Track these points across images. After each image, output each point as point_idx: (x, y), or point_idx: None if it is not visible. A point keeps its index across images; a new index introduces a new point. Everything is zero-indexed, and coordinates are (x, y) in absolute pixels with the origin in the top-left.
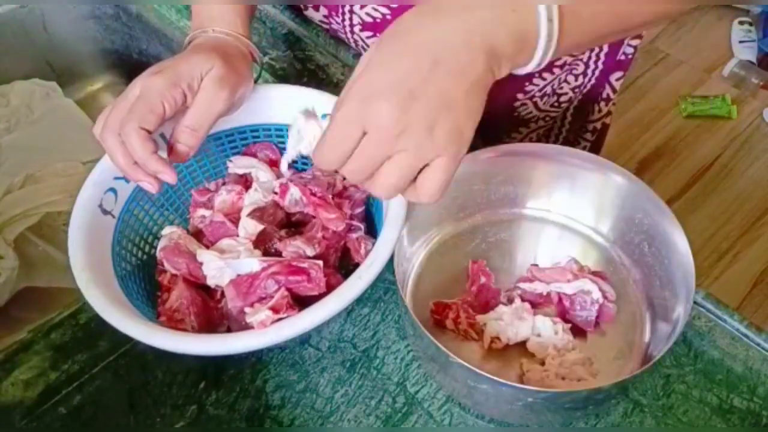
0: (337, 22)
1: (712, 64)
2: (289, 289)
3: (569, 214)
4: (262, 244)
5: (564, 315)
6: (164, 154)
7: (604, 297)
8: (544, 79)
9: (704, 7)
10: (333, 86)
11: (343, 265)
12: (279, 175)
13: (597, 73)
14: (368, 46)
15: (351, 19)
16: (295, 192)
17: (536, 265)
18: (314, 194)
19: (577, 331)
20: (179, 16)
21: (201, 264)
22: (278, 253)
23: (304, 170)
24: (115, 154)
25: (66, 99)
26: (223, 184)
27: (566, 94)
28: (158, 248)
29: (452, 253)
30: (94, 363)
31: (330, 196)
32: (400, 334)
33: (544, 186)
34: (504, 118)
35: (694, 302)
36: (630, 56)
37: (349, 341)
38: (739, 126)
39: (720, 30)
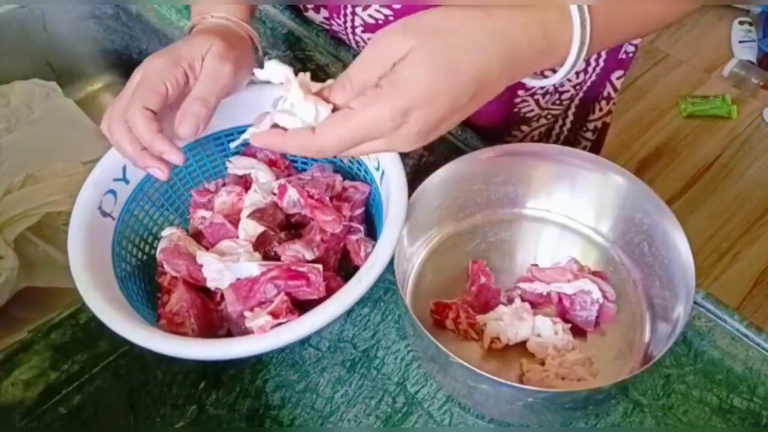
0: (338, 24)
1: (712, 64)
2: (288, 294)
3: (569, 214)
4: (262, 246)
5: (564, 315)
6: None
7: (604, 297)
8: None
9: (704, 7)
10: None
11: (343, 266)
12: (279, 176)
13: (598, 70)
14: None
15: (353, 20)
16: (293, 193)
17: (536, 265)
18: (311, 196)
19: (577, 331)
20: (179, 16)
21: (201, 266)
22: (278, 257)
23: (304, 170)
24: (122, 142)
25: (66, 99)
26: (223, 184)
27: (567, 91)
28: (158, 249)
29: (452, 253)
30: (94, 363)
31: (328, 198)
32: (400, 334)
33: (544, 186)
34: (505, 116)
35: (694, 302)
36: (631, 55)
37: (349, 341)
38: (739, 126)
39: (720, 30)
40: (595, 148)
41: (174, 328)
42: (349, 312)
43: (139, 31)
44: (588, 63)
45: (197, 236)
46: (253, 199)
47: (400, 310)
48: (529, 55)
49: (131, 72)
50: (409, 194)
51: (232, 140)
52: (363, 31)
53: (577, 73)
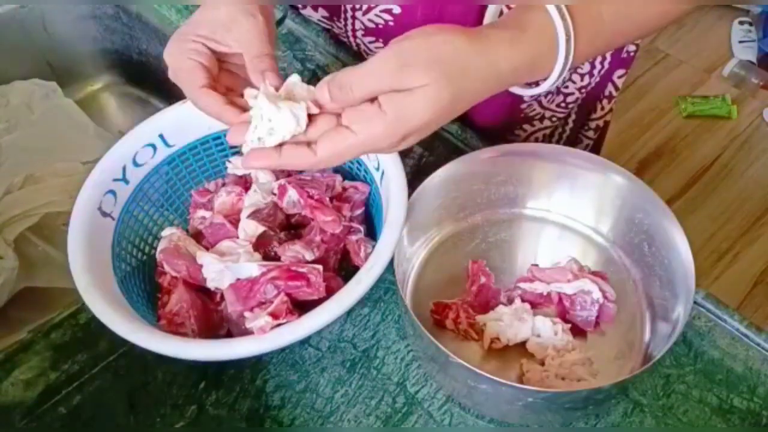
0: (338, 27)
1: (712, 64)
2: (288, 294)
3: (569, 214)
4: (262, 247)
5: (564, 315)
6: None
7: (604, 297)
8: None
9: (704, 7)
10: None
11: (343, 267)
12: (279, 176)
13: (603, 72)
14: (371, 50)
15: (353, 24)
16: (293, 194)
17: (536, 265)
18: (311, 196)
19: (577, 331)
20: (179, 16)
21: (201, 266)
22: (278, 257)
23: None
24: (211, 109)
25: (66, 99)
26: (223, 184)
27: (572, 94)
28: (158, 250)
29: (452, 253)
30: (94, 363)
31: (328, 198)
32: (400, 334)
33: (544, 186)
34: (506, 116)
35: (694, 302)
36: (632, 54)
37: (349, 341)
38: (739, 126)
39: (720, 30)
40: (596, 146)
41: (174, 328)
42: (349, 312)
43: (139, 31)
44: (593, 66)
45: (197, 236)
46: (253, 199)
47: (400, 310)
48: (512, 81)
49: (131, 72)
50: (409, 194)
51: None
52: (364, 35)
53: (582, 75)
